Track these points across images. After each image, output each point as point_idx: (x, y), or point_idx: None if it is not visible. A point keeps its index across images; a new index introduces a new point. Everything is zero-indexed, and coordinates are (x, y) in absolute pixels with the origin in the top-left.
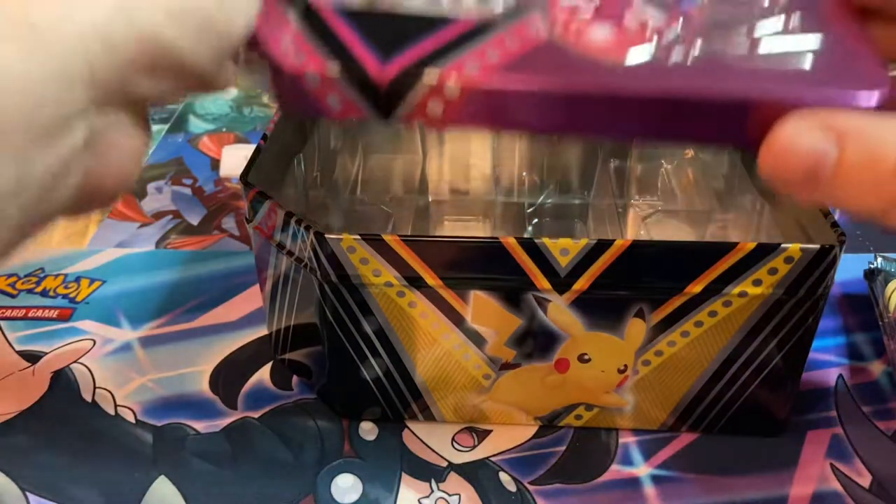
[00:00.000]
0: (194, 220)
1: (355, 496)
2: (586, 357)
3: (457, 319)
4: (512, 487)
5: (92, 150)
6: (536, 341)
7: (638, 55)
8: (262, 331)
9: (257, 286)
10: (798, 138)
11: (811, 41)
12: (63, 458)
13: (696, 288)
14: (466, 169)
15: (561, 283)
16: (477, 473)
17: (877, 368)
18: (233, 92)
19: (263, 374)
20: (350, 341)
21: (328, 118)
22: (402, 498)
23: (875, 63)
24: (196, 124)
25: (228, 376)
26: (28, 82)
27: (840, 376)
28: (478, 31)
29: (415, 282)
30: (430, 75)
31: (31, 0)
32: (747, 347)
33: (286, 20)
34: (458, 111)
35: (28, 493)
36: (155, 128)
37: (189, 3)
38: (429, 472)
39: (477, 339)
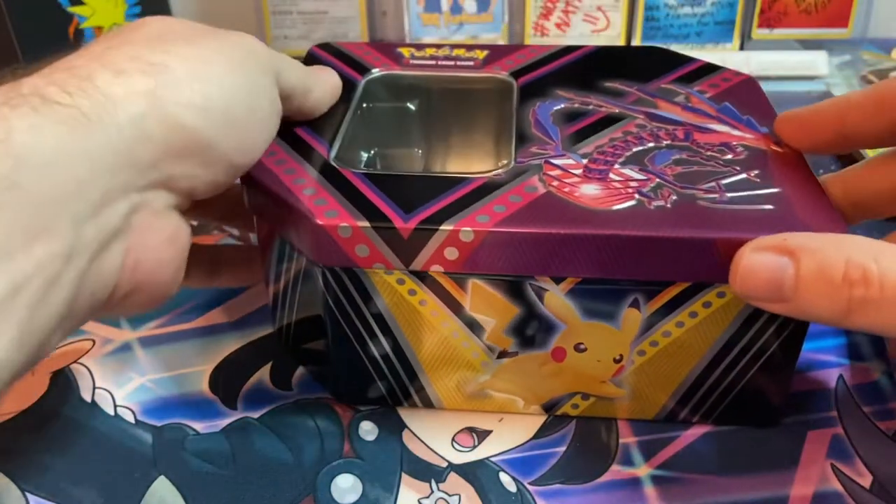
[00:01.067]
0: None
1: (355, 496)
2: (582, 346)
3: (455, 308)
4: (512, 488)
5: (131, 229)
6: (533, 330)
7: (623, 205)
8: (262, 331)
9: (257, 286)
10: (756, 258)
11: (775, 191)
12: (63, 458)
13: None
14: (468, 162)
15: (558, 275)
16: (477, 473)
17: (877, 368)
18: None
19: (263, 374)
20: (351, 329)
21: (357, 266)
22: (402, 498)
23: (830, 209)
24: None
25: (228, 376)
26: (83, 159)
27: (840, 376)
28: (485, 190)
29: (414, 269)
30: (447, 226)
31: (77, 92)
32: (742, 338)
33: (317, 183)
34: (472, 256)
35: (28, 493)
36: None
37: (216, 100)
38: (429, 473)
39: (475, 328)
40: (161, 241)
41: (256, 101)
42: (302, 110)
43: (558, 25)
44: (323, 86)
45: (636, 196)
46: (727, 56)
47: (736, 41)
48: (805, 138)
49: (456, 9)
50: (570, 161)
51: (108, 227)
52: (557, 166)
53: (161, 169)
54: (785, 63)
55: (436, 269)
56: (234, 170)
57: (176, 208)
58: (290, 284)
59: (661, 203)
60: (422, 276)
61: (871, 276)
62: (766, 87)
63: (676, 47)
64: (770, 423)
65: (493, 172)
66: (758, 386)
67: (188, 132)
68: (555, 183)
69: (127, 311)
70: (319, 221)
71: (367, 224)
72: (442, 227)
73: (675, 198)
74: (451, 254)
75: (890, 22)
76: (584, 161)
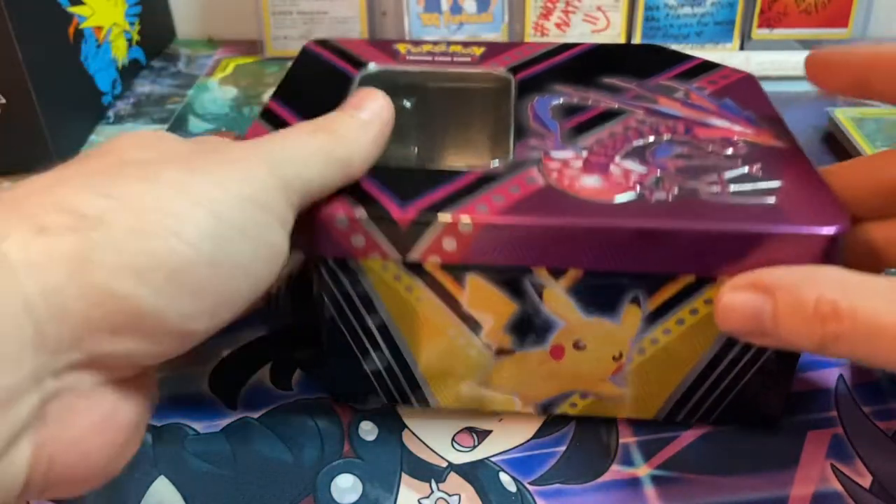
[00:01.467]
0: None
1: (355, 496)
2: (581, 344)
3: (453, 304)
4: (512, 488)
5: (43, 421)
6: (532, 327)
7: (625, 197)
8: (262, 331)
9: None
10: (734, 299)
11: (778, 185)
12: None
13: (690, 276)
14: (465, 157)
15: (557, 268)
16: (477, 473)
17: (877, 369)
18: (232, 91)
19: (263, 374)
20: (348, 327)
21: (353, 257)
22: (402, 498)
23: (834, 203)
24: (195, 124)
25: (228, 376)
26: None
27: (840, 376)
28: (483, 181)
29: (411, 265)
30: (445, 216)
31: None
32: None
33: None
34: (470, 247)
35: None
36: (154, 128)
37: (165, 262)
38: (429, 473)
39: (473, 325)
40: (87, 428)
41: (234, 250)
42: (352, 177)
43: (558, 25)
44: (363, 136)
45: (637, 188)
46: (727, 56)
47: (736, 41)
48: (829, 76)
49: (456, 9)
50: (570, 153)
51: (11, 427)
52: (557, 158)
53: (86, 348)
54: (785, 63)
55: (433, 261)
56: (193, 338)
57: (114, 383)
58: (286, 282)
59: (662, 195)
60: (419, 272)
61: (841, 312)
62: (766, 87)
63: (676, 47)
64: (770, 424)
65: (492, 164)
66: (758, 386)
67: (121, 302)
68: (554, 174)
69: (53, 498)
70: (315, 211)
71: (363, 214)
72: (440, 218)
73: (676, 191)
74: (449, 245)
75: (890, 22)
76: (584, 154)
